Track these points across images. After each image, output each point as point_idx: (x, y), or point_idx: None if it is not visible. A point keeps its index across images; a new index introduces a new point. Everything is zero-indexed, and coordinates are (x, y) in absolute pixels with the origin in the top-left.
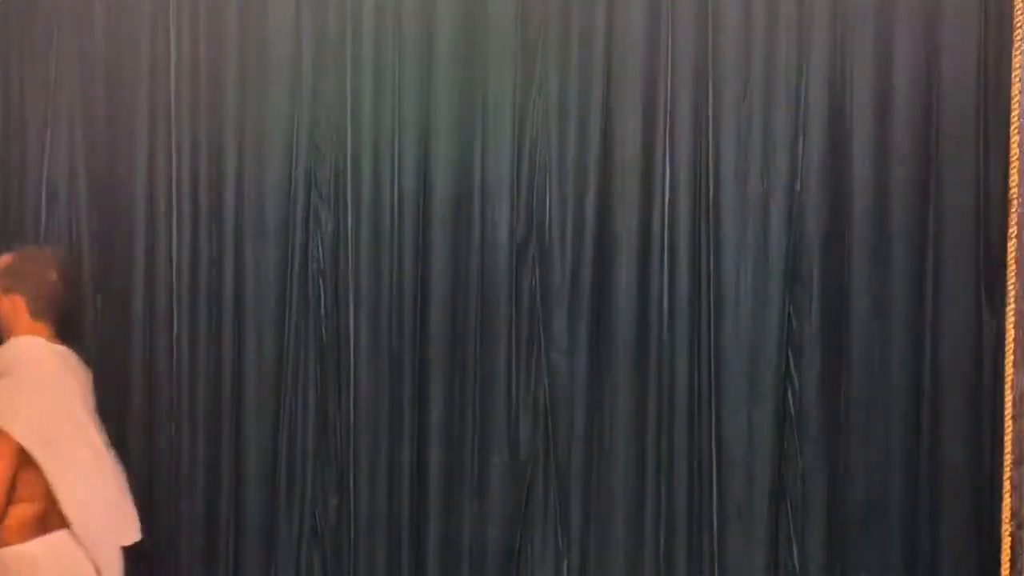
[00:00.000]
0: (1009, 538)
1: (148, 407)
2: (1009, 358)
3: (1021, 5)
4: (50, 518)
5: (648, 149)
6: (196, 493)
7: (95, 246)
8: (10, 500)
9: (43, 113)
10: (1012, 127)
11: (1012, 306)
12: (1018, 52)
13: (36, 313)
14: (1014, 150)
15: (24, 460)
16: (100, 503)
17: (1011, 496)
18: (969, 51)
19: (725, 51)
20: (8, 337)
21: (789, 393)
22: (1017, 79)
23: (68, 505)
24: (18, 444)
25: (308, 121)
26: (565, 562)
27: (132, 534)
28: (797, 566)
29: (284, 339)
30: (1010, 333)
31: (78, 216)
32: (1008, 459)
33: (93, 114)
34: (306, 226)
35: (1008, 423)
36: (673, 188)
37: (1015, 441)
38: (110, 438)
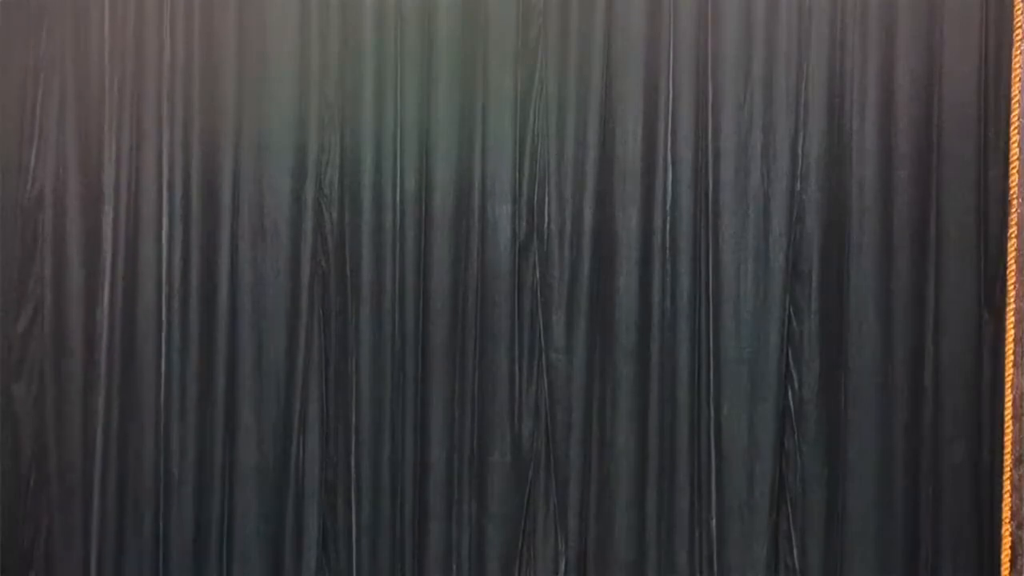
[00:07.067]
0: (1009, 538)
1: (151, 406)
2: (1009, 358)
3: (1021, 5)
4: None
5: (649, 148)
6: (199, 493)
7: (96, 247)
8: None
9: (41, 114)
10: (1012, 127)
11: (1012, 306)
12: (1018, 52)
13: None
14: (1014, 150)
15: None
16: None
17: (1011, 496)
18: (969, 51)
19: (726, 51)
20: None
21: (789, 393)
22: (1017, 79)
23: None
24: None
25: (310, 121)
26: (564, 561)
27: None
28: (797, 566)
29: (286, 339)
30: (1010, 333)
31: (75, 217)
32: (1008, 459)
33: (93, 115)
34: (307, 226)
35: (1008, 423)
36: (674, 187)
37: (1015, 441)
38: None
